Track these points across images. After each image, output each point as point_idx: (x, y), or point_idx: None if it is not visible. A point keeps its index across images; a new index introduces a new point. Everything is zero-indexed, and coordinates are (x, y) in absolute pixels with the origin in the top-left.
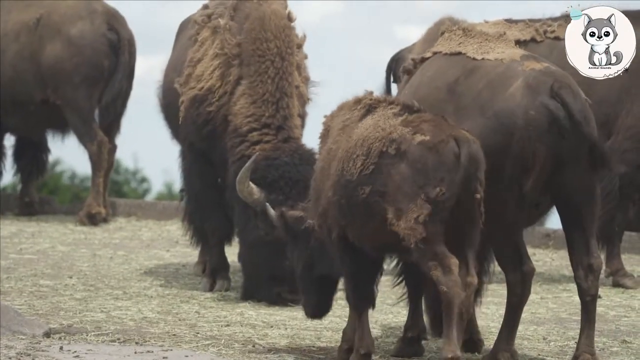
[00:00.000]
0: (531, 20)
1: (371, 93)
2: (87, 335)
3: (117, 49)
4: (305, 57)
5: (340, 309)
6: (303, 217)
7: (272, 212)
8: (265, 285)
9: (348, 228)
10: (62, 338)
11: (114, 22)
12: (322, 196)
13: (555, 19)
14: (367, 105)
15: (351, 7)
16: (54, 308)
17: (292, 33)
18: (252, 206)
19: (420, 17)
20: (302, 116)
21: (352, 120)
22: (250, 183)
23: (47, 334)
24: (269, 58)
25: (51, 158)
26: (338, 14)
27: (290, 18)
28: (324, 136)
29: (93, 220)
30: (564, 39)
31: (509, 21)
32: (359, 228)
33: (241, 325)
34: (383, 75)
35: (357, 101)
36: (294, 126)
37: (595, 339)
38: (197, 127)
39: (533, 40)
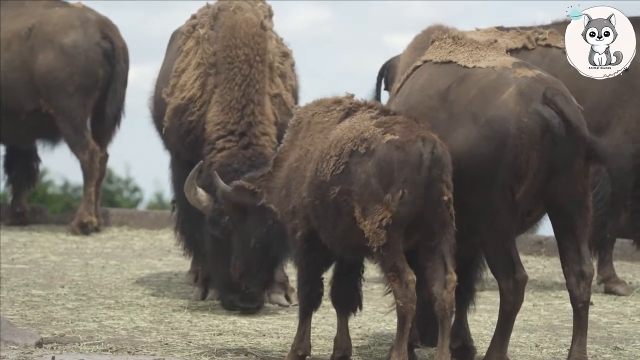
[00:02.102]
0: (522, 28)
1: (352, 96)
2: (79, 345)
3: (111, 57)
4: (292, 63)
5: (333, 317)
6: (260, 192)
7: (222, 185)
8: (221, 293)
9: (321, 230)
10: (55, 348)
11: (108, 31)
12: (294, 195)
13: (546, 27)
14: (347, 109)
15: (338, 14)
16: (46, 318)
17: (263, 41)
18: (204, 213)
19: (409, 25)
20: (284, 124)
21: (331, 122)
22: (200, 190)
23: (39, 344)
24: (237, 65)
25: (40, 167)
26: (325, 21)
27: (263, 27)
28: (294, 127)
29: (85, 229)
30: (555, 47)
31: (501, 29)
32: (330, 229)
33: (233, 334)
34: (372, 82)
35: (337, 102)
36: (260, 133)
37: (587, 346)
38: (180, 137)
39: (525, 48)
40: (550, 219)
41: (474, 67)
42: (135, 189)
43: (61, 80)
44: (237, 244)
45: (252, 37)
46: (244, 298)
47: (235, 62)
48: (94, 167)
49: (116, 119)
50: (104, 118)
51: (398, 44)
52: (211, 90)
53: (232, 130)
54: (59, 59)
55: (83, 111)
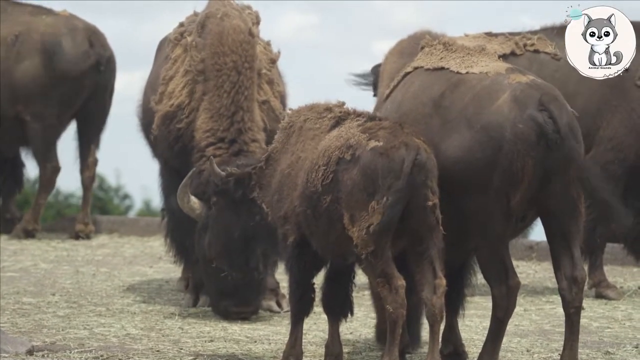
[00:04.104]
0: (511, 34)
1: (342, 104)
2: (70, 353)
3: (98, 65)
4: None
5: (324, 323)
6: (252, 185)
7: (218, 170)
8: (214, 300)
9: (313, 237)
10: (45, 356)
11: (95, 39)
12: (286, 201)
13: (534, 32)
14: (336, 117)
15: (326, 20)
16: (37, 326)
17: (252, 48)
18: (197, 220)
19: (397, 31)
20: (273, 131)
21: (322, 130)
22: (193, 198)
23: (30, 352)
24: (225, 72)
25: (33, 176)
26: (313, 27)
27: (251, 33)
28: (286, 129)
29: (29, 234)
30: (543, 52)
31: (489, 34)
32: (322, 237)
33: (225, 341)
34: (359, 89)
35: (328, 109)
36: (250, 140)
37: (579, 350)
38: (169, 145)
39: (513, 53)
40: (543, 223)
41: (467, 73)
42: (126, 196)
43: (47, 88)
44: (220, 226)
45: (240, 44)
46: (239, 302)
47: (224, 69)
48: (52, 182)
49: (103, 125)
50: (93, 124)
51: (386, 49)
52: (199, 97)
53: (222, 138)
54: (46, 66)
55: (60, 122)
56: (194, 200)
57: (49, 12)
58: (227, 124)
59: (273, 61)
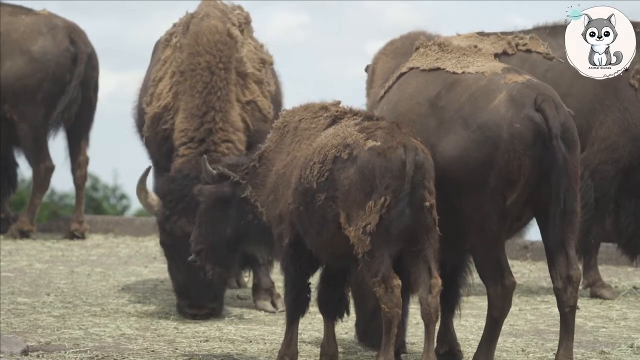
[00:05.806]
0: (503, 33)
1: (338, 103)
2: (65, 353)
3: (80, 62)
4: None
5: (319, 323)
6: (244, 184)
7: (209, 168)
8: (177, 299)
9: (306, 236)
10: (40, 356)
11: (75, 36)
12: (281, 201)
13: (527, 32)
14: (333, 116)
15: (318, 20)
16: (32, 326)
17: (228, 49)
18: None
19: (391, 31)
20: (259, 130)
21: (318, 129)
22: (151, 194)
23: (25, 352)
24: (198, 72)
25: (27, 176)
26: (304, 26)
27: (230, 34)
28: (280, 129)
29: (24, 235)
30: (535, 52)
31: (481, 34)
32: (316, 236)
33: (220, 341)
34: (353, 88)
35: (324, 108)
36: (220, 140)
37: (573, 350)
38: (158, 145)
39: (505, 53)
40: (538, 223)
41: (463, 73)
42: (123, 196)
43: (31, 88)
44: (208, 225)
45: (214, 45)
46: (192, 304)
47: (197, 69)
48: (47, 182)
49: (91, 122)
50: (80, 122)
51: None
52: (180, 98)
53: (192, 137)
54: (28, 66)
55: (46, 121)
56: (152, 197)
57: (28, 11)
58: (198, 124)
59: (263, 61)
